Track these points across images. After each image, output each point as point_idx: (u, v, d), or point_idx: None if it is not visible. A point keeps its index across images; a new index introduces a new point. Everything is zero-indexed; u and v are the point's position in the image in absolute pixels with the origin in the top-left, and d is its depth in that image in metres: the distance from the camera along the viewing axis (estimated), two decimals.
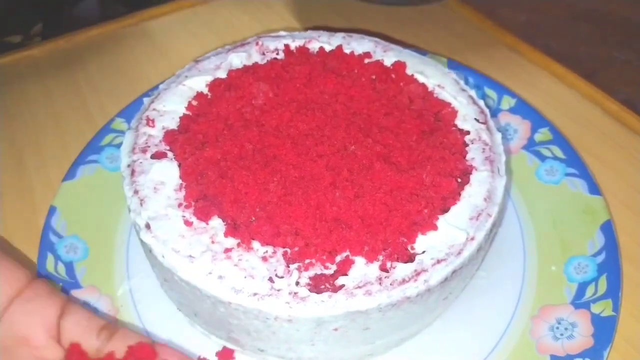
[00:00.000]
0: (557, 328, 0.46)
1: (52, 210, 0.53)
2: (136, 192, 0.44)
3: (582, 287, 0.48)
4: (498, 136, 0.47)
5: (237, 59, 0.53)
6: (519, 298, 0.48)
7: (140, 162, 0.45)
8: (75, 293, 0.48)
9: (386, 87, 0.50)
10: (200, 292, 0.39)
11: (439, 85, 0.51)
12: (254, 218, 0.41)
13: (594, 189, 0.53)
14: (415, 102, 0.49)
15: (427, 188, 0.42)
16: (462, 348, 0.46)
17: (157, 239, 0.41)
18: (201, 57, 0.54)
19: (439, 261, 0.40)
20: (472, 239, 0.41)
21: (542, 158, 0.56)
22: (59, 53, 0.70)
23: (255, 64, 0.52)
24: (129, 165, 0.45)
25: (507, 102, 0.60)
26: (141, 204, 0.43)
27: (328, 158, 0.44)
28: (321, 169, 0.43)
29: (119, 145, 0.57)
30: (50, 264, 0.49)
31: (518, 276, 0.50)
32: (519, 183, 0.56)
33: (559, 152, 0.56)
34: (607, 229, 0.50)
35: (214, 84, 0.50)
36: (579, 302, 0.47)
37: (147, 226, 0.42)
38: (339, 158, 0.44)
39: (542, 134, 0.58)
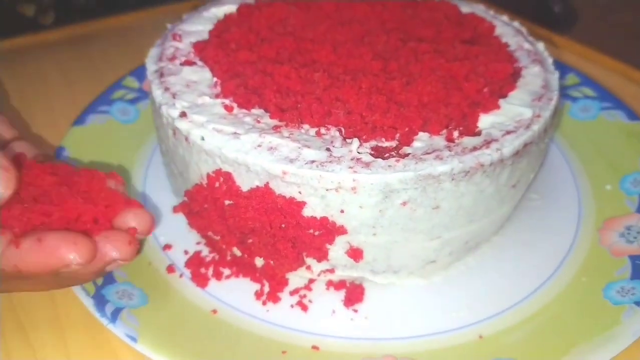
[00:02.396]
0: (629, 233, 0.42)
1: (60, 149, 0.48)
2: (167, 89, 0.40)
3: None
4: (540, 44, 0.46)
5: None
6: (579, 215, 0.45)
7: (169, 68, 0.42)
8: None
9: (418, 12, 0.49)
10: (249, 168, 0.34)
11: (471, 13, 0.50)
12: (299, 105, 0.38)
13: (633, 115, 0.51)
14: (451, 19, 0.48)
15: (482, 73, 0.40)
16: (529, 263, 0.41)
17: (194, 123, 0.37)
18: None
19: (508, 132, 0.36)
20: (539, 116, 0.38)
21: (574, 99, 0.55)
22: (74, 37, 0.68)
23: None
24: (156, 71, 0.42)
25: None
26: (174, 97, 0.39)
27: (371, 56, 0.41)
28: (367, 62, 0.41)
29: (131, 101, 0.54)
30: None
31: (573, 197, 0.46)
32: (554, 124, 0.54)
33: (589, 92, 0.55)
34: None
35: (242, 7, 0.48)
36: None
37: (183, 114, 0.37)
38: (384, 56, 0.42)
39: (569, 79, 0.57)
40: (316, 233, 0.35)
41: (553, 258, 0.41)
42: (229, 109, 0.38)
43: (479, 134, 0.37)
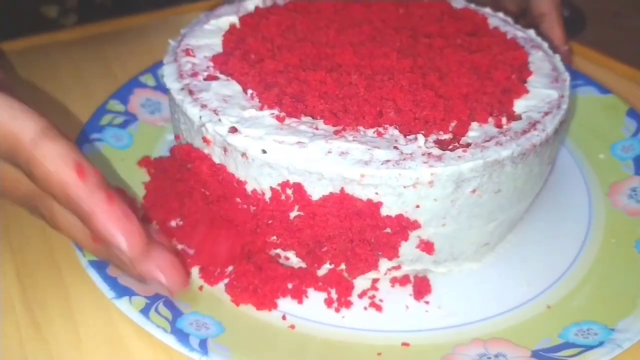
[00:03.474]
0: (636, 194, 0.46)
1: None
2: (204, 105, 0.38)
3: (638, 160, 0.49)
4: (531, 31, 0.50)
5: (252, 4, 0.50)
6: (586, 184, 0.49)
7: (195, 84, 0.40)
8: None
9: (410, 10, 0.50)
10: (322, 176, 0.34)
11: (464, 7, 0.52)
12: (348, 107, 0.38)
13: (603, 89, 0.57)
14: (448, 14, 0.50)
15: (503, 61, 0.42)
16: (560, 233, 0.44)
17: (251, 138, 0.36)
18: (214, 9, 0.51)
19: (546, 113, 0.39)
20: (563, 96, 0.41)
21: None
22: (88, 37, 0.66)
23: (276, 4, 0.50)
24: (182, 89, 0.40)
25: None
26: (216, 114, 0.37)
27: (396, 54, 0.42)
28: (394, 61, 0.42)
29: (121, 125, 0.51)
30: None
31: (574, 169, 0.50)
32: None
33: None
34: (633, 114, 0.53)
35: (245, 18, 0.47)
36: None
37: (234, 130, 0.36)
38: (405, 53, 0.43)
39: None
40: (392, 232, 0.36)
41: (579, 226, 0.45)
42: (280, 119, 0.37)
43: (520, 118, 0.39)
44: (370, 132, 0.37)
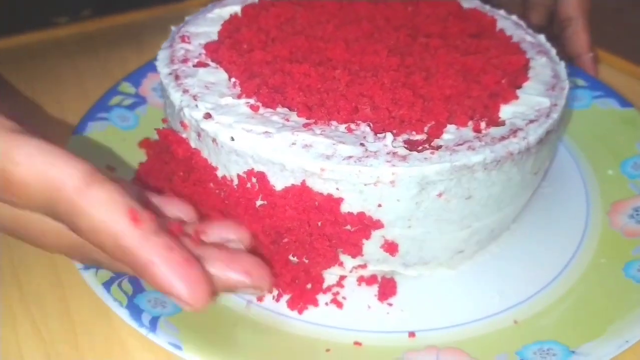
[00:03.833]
0: (637, 214, 0.44)
1: None
2: (186, 91, 0.39)
3: None
4: (541, 37, 0.48)
5: None
6: (587, 200, 0.46)
7: (183, 70, 0.41)
8: None
9: (419, 9, 0.49)
10: (284, 167, 0.34)
11: (473, 8, 0.51)
12: (325, 100, 0.38)
13: (624, 102, 0.54)
14: (455, 14, 0.48)
15: (496, 65, 0.41)
16: (548, 248, 0.42)
17: (221, 124, 0.36)
18: None
19: (531, 121, 0.38)
20: (556, 105, 0.39)
21: None
22: (85, 34, 0.67)
23: None
24: (170, 73, 0.41)
25: None
26: (195, 99, 0.38)
27: (387, 52, 0.42)
28: (383, 59, 0.41)
29: (129, 107, 0.53)
30: None
31: (579, 183, 0.48)
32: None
33: (580, 82, 0.57)
34: None
35: (247, 8, 0.48)
36: None
37: (208, 116, 0.37)
38: (398, 52, 0.42)
39: None
40: (352, 229, 0.35)
41: (569, 243, 0.43)
42: (254, 108, 0.37)
43: (502, 124, 0.37)
44: (342, 127, 0.36)
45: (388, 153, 0.34)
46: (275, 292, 0.38)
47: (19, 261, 0.41)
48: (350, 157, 0.34)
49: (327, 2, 0.49)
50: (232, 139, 0.35)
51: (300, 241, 0.36)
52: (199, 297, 0.27)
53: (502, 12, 0.51)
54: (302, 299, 0.38)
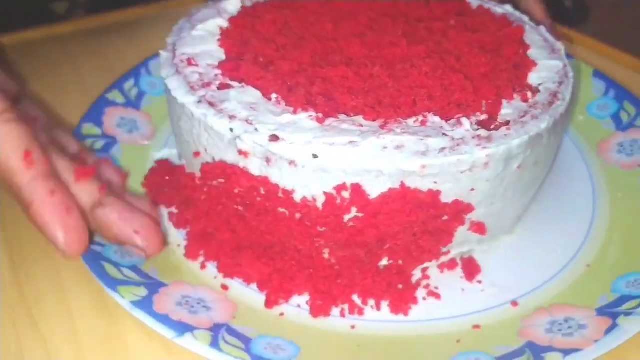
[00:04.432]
0: (624, 149, 0.49)
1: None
2: (233, 117, 0.36)
3: (615, 117, 0.52)
4: (508, 6, 0.51)
5: (231, 5, 0.48)
6: (576, 145, 0.51)
7: (212, 95, 0.38)
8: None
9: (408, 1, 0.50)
10: (381, 172, 0.33)
11: None
12: (382, 99, 0.37)
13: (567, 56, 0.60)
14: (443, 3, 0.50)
15: (504, 37, 0.43)
16: (570, 200, 0.46)
17: (297, 144, 0.34)
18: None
19: (560, 83, 0.41)
20: (566, 65, 0.43)
21: None
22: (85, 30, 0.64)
23: (257, 2, 0.48)
24: (200, 101, 0.37)
25: None
26: (250, 123, 0.35)
27: (405, 41, 0.42)
28: (405, 49, 0.41)
29: (101, 150, 0.47)
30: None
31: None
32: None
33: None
34: (599, 74, 0.55)
35: (235, 20, 0.44)
36: (622, 126, 0.51)
37: (275, 138, 0.34)
38: (410, 39, 0.43)
39: None
40: (448, 218, 0.36)
41: (584, 188, 0.46)
42: (320, 120, 0.35)
43: (539, 90, 0.40)
44: (411, 121, 0.36)
45: (473, 137, 0.35)
46: (374, 302, 0.37)
47: (19, 261, 0.39)
48: (443, 148, 0.34)
49: (307, 3, 0.47)
50: (315, 156, 0.33)
51: (404, 243, 0.35)
52: (72, 244, 0.31)
53: None
54: (402, 300, 0.37)
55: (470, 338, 0.35)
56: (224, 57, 0.41)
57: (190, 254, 0.39)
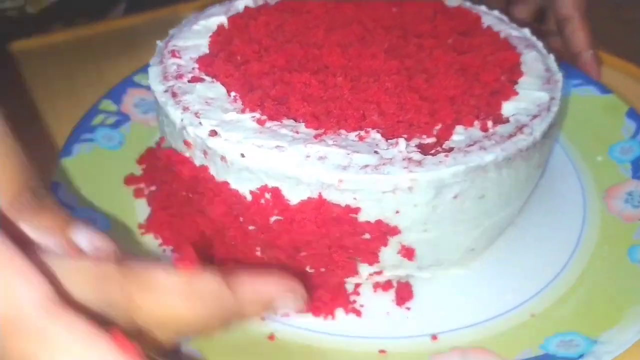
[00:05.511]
0: (632, 199, 0.45)
1: (55, 185, 0.44)
2: (186, 108, 0.38)
3: (636, 163, 0.48)
4: (526, 30, 0.48)
5: (242, 4, 0.50)
6: (582, 188, 0.47)
7: (179, 86, 0.40)
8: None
9: (404, 9, 0.49)
10: (300, 180, 0.34)
11: (457, 6, 0.51)
12: (331, 110, 0.37)
13: (604, 89, 0.55)
14: (441, 13, 0.49)
15: (493, 62, 0.42)
16: (551, 239, 0.43)
17: (230, 141, 0.35)
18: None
19: (534, 117, 0.38)
20: (554, 98, 0.40)
21: None
22: (78, 39, 0.66)
23: (266, 3, 0.50)
24: (166, 91, 0.40)
25: None
26: (197, 116, 0.37)
27: (384, 55, 0.42)
28: (381, 63, 0.41)
29: (113, 125, 0.51)
30: None
31: (571, 171, 0.49)
32: None
33: None
34: (633, 114, 0.52)
35: (234, 18, 0.47)
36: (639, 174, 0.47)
37: (214, 133, 0.36)
38: (394, 54, 0.42)
39: None
40: (370, 237, 0.35)
41: (571, 233, 0.43)
42: (261, 122, 0.37)
43: (507, 121, 0.38)
44: (352, 135, 0.36)
45: (404, 159, 0.34)
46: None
47: None
48: (366, 166, 0.34)
49: (312, 6, 0.48)
50: (243, 155, 0.35)
51: (319, 254, 0.35)
52: None
53: (483, 7, 0.52)
54: (322, 310, 0.37)
55: None
56: (207, 52, 0.44)
57: (149, 228, 0.42)
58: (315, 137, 0.36)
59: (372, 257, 0.36)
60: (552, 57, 0.45)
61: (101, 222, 0.43)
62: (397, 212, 0.35)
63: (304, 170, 0.34)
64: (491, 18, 0.50)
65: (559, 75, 0.42)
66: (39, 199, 0.28)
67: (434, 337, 0.36)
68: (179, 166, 0.38)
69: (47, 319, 0.22)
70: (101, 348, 0.22)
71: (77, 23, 0.68)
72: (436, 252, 0.38)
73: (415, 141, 0.36)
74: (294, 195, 0.35)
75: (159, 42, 0.45)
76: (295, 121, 0.37)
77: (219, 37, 0.45)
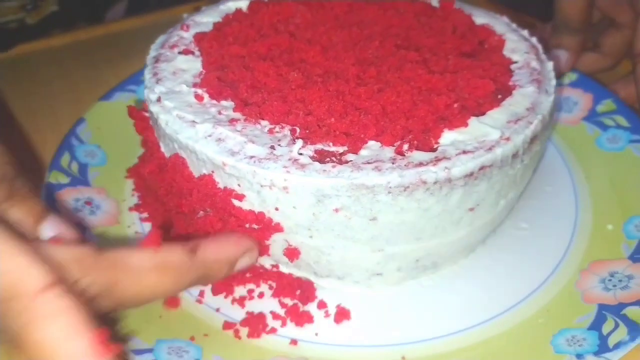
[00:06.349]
0: (610, 280, 0.38)
1: (80, 120, 0.52)
2: (155, 74, 0.42)
3: None
4: (549, 64, 0.43)
5: None
6: (566, 251, 0.41)
7: (167, 54, 0.45)
8: (81, 190, 0.46)
9: (430, 20, 0.47)
10: (197, 156, 0.36)
11: (487, 24, 0.47)
12: (266, 100, 0.38)
13: None
14: (459, 30, 0.46)
15: (461, 88, 0.38)
16: (493, 290, 0.39)
17: (164, 108, 0.39)
18: None
19: (465, 152, 0.35)
20: (508, 139, 0.36)
21: (604, 127, 0.50)
22: (77, 43, 0.67)
23: None
24: (154, 57, 0.45)
25: (568, 77, 0.55)
26: (157, 82, 0.41)
27: (354, 60, 0.41)
28: (347, 66, 0.40)
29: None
30: (65, 160, 0.48)
31: (567, 232, 0.43)
32: (576, 152, 0.50)
33: (623, 121, 0.50)
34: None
35: (254, 4, 0.49)
36: (638, 256, 0.39)
37: (158, 99, 0.40)
38: (368, 61, 0.41)
39: (605, 105, 0.52)
40: (255, 227, 0.36)
41: (519, 292, 0.39)
42: (199, 98, 0.39)
43: (434, 150, 0.35)
44: (269, 127, 0.37)
45: (290, 159, 0.34)
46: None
47: None
48: (252, 157, 0.34)
49: (336, 4, 0.48)
50: (167, 123, 0.38)
51: (209, 227, 0.37)
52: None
53: (525, 32, 0.47)
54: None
55: None
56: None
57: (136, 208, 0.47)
58: (231, 121, 0.37)
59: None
60: (552, 97, 0.39)
61: (99, 159, 0.49)
62: (277, 209, 0.35)
63: (199, 146, 0.36)
64: (523, 44, 0.45)
65: (536, 118, 0.37)
66: (16, 190, 0.32)
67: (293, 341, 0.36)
68: (137, 122, 0.43)
69: (43, 300, 0.24)
70: (81, 343, 0.23)
71: (76, 27, 0.69)
72: (329, 263, 0.37)
73: (318, 146, 0.35)
74: (195, 169, 0.37)
75: (185, 15, 0.50)
76: (234, 102, 0.39)
77: (230, 18, 0.48)
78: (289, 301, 0.38)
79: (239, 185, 0.35)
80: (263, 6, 0.48)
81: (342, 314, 0.37)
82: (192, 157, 0.37)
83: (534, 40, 0.46)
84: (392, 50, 0.42)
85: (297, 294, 0.38)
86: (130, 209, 0.46)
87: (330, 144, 0.35)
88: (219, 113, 0.38)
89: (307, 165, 0.34)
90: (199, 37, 0.46)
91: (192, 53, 0.45)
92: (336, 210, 0.34)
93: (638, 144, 0.48)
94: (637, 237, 0.41)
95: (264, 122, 0.37)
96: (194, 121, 0.37)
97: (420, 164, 0.34)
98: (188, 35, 0.47)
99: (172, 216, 0.41)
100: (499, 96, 0.40)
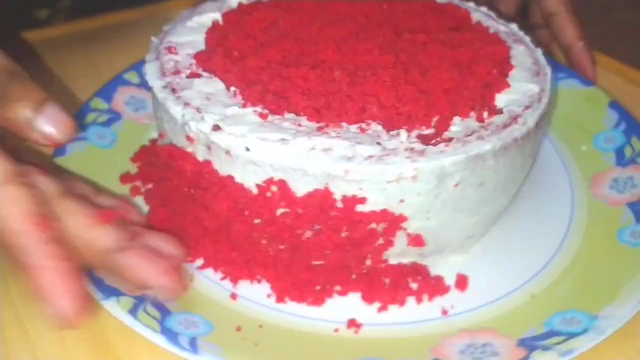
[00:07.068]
0: (617, 185, 0.47)
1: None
2: (187, 104, 0.38)
3: (619, 151, 0.50)
4: (514, 26, 0.50)
5: (235, 1, 0.50)
6: (568, 176, 0.49)
7: (178, 82, 0.40)
8: None
9: (394, 5, 0.50)
10: (306, 172, 0.34)
11: (448, 2, 0.52)
12: (331, 103, 0.38)
13: (586, 82, 0.57)
14: (431, 9, 0.50)
15: (484, 55, 0.43)
16: (542, 226, 0.45)
17: (234, 135, 0.36)
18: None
19: (527, 107, 0.40)
20: (544, 90, 0.42)
21: None
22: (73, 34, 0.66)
23: (259, 0, 0.50)
24: (165, 87, 0.40)
25: None
26: (199, 111, 0.37)
27: (379, 50, 0.42)
28: (376, 57, 0.42)
29: (105, 123, 0.51)
30: None
31: (557, 161, 0.51)
32: None
33: None
34: (615, 105, 0.54)
35: (228, 14, 0.47)
36: (623, 161, 0.49)
37: (217, 127, 0.36)
38: (388, 49, 0.43)
39: None
40: (379, 227, 0.36)
41: (561, 218, 0.45)
42: (263, 116, 0.37)
43: (501, 112, 0.39)
44: (354, 128, 0.37)
45: (406, 149, 0.35)
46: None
47: (8, 262, 0.39)
48: (370, 156, 0.34)
49: (305, 3, 0.49)
50: (248, 149, 0.35)
51: (323, 246, 0.36)
52: (72, 314, 0.30)
53: (471, 4, 0.53)
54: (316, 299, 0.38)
55: (384, 346, 0.35)
56: (204, 48, 0.44)
57: (151, 221, 0.42)
58: (318, 129, 0.36)
59: (383, 247, 0.37)
60: (539, 50, 0.46)
61: None
62: (402, 200, 0.35)
63: (309, 161, 0.34)
64: (480, 14, 0.51)
65: (547, 68, 0.44)
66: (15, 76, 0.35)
67: (444, 311, 0.37)
68: (181, 162, 0.38)
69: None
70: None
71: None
72: (438, 239, 0.39)
73: (415, 132, 0.37)
74: (300, 187, 0.35)
75: (153, 39, 0.45)
76: (297, 115, 0.38)
77: (214, 33, 0.45)
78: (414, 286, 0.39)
79: (360, 189, 0.35)
80: (242, 15, 0.46)
81: (463, 281, 0.40)
82: (296, 176, 0.35)
83: (483, 9, 0.52)
84: (394, 37, 0.45)
85: (419, 279, 0.39)
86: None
87: (423, 127, 0.37)
88: (298, 125, 0.36)
89: (424, 150, 0.35)
90: (203, 58, 0.42)
91: (201, 75, 0.41)
92: (455, 185, 0.36)
93: (564, 80, 0.58)
94: (611, 148, 0.50)
95: (344, 124, 0.37)
96: (283, 139, 0.35)
97: (506, 125, 0.38)
98: (181, 58, 0.43)
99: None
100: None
